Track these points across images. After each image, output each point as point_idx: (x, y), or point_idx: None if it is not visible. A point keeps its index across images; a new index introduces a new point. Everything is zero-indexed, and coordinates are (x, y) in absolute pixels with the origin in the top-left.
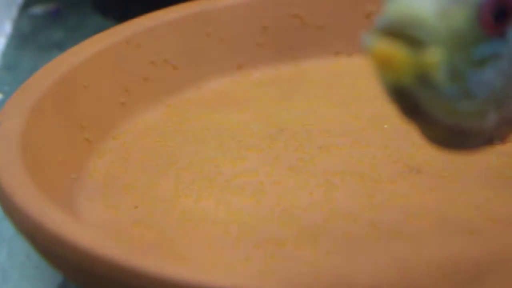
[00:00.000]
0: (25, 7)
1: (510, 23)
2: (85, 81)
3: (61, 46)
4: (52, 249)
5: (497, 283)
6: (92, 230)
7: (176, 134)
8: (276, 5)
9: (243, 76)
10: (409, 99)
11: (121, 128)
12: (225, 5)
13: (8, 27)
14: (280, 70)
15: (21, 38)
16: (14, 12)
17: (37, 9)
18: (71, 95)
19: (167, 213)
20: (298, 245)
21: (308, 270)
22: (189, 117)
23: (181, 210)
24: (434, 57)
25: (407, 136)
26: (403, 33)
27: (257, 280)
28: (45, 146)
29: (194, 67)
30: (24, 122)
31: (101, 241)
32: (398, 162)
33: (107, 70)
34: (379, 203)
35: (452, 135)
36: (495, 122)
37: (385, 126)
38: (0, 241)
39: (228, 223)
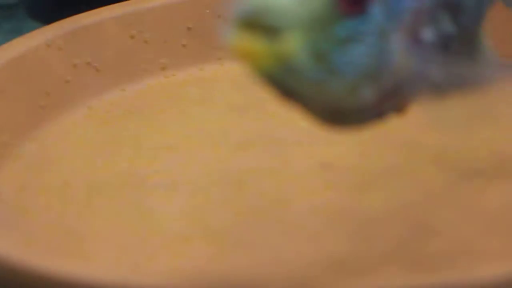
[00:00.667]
0: None
1: (371, 1)
2: (2, 86)
3: None
4: None
5: (391, 274)
6: None
7: (94, 137)
8: (200, 6)
9: (167, 77)
10: (281, 85)
11: (39, 131)
12: (148, 7)
13: None
14: (204, 71)
15: None
16: None
17: None
18: None
19: (78, 214)
20: (206, 243)
21: (214, 267)
22: (109, 119)
23: (92, 211)
24: (290, 43)
25: (322, 133)
26: (260, 23)
27: (159, 278)
28: None
29: (118, 69)
30: None
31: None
32: (310, 159)
33: (27, 74)
34: (287, 199)
35: (333, 114)
36: (375, 97)
37: (302, 123)
38: None
39: (138, 222)
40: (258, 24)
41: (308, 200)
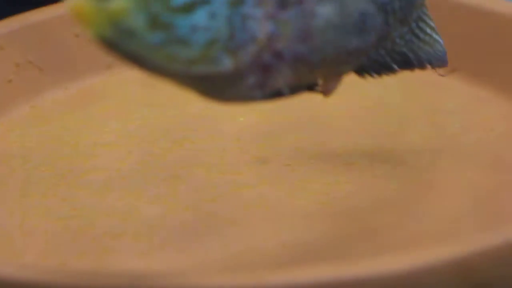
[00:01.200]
0: None
1: None
2: None
3: None
4: None
5: (327, 267)
6: None
7: (34, 135)
8: None
9: (112, 75)
10: (124, 51)
11: None
12: None
13: None
14: None
15: None
16: None
17: None
18: None
19: (9, 212)
20: (135, 238)
21: (141, 263)
22: (51, 117)
23: (24, 210)
24: (119, 4)
25: (260, 129)
26: None
27: (82, 275)
28: None
29: (61, 68)
30: None
31: None
32: (246, 154)
33: None
34: (221, 194)
35: (206, 85)
36: (241, 65)
37: (241, 119)
38: None
39: (69, 218)
40: None
41: (241, 195)
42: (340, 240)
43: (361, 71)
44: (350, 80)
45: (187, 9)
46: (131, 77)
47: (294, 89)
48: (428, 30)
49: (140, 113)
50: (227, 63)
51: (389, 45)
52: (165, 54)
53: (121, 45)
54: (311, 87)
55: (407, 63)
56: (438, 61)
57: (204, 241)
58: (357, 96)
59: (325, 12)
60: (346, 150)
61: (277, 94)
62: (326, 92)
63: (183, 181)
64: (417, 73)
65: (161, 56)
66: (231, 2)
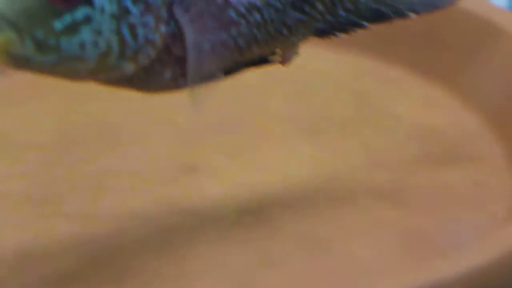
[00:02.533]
0: None
1: None
2: None
3: None
4: None
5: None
6: None
7: None
8: None
9: None
10: (25, 69)
11: None
12: None
13: None
14: None
15: None
16: None
17: None
18: None
19: None
20: (49, 256)
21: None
22: None
23: None
24: (3, 37)
25: (193, 135)
26: None
27: None
28: None
29: None
30: None
31: None
32: (174, 160)
33: None
34: (145, 206)
35: (118, 83)
36: (145, 66)
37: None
38: None
39: None
40: None
41: (162, 206)
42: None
43: (322, 34)
44: None
45: (71, 30)
46: None
47: (240, 65)
48: None
49: (76, 111)
50: (128, 68)
51: (350, 6)
52: (66, 69)
53: (23, 66)
54: (266, 59)
55: (381, 17)
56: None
57: (124, 259)
58: None
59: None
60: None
61: (211, 76)
62: (283, 62)
63: (107, 190)
64: None
65: (63, 70)
66: (115, 16)
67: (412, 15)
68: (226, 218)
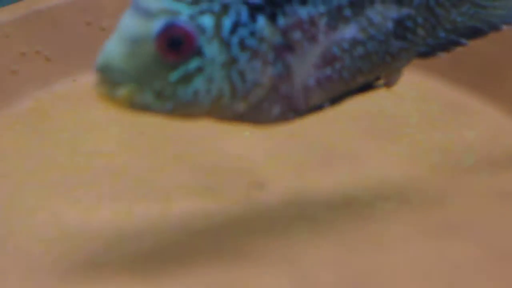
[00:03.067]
0: None
1: (189, 50)
2: None
3: None
4: None
5: None
6: None
7: (34, 135)
8: None
9: None
10: (149, 113)
11: None
12: None
13: None
14: None
15: None
16: None
17: None
18: None
19: None
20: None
21: None
22: (53, 114)
23: (9, 228)
24: (123, 93)
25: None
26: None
27: None
28: None
29: (70, 59)
30: None
31: None
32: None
33: None
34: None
35: (237, 119)
36: (253, 105)
37: (246, 133)
38: None
39: (53, 240)
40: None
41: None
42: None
43: (424, 56)
44: None
45: (185, 80)
46: None
47: (345, 94)
48: None
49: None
50: (239, 107)
51: (449, 26)
52: (183, 113)
53: (143, 111)
54: (370, 85)
55: (477, 33)
56: None
57: None
58: None
59: (346, 34)
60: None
61: (318, 107)
62: (388, 86)
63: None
64: None
65: (180, 113)
66: (225, 65)
67: (505, 27)
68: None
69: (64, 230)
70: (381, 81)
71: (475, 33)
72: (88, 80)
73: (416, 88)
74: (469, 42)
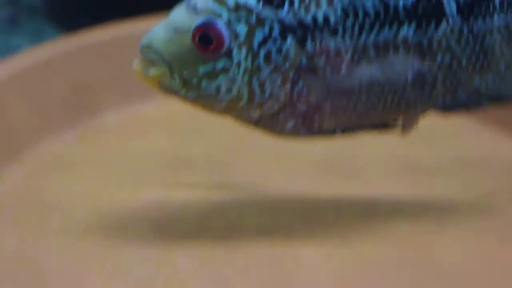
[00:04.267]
0: None
1: (219, 49)
2: None
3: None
4: None
5: None
6: None
7: (81, 164)
8: None
9: (167, 103)
10: (174, 96)
11: (28, 153)
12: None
13: None
14: None
15: None
16: None
17: None
18: None
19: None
20: None
21: None
22: (101, 144)
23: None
24: (155, 72)
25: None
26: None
27: None
28: None
29: (117, 91)
30: None
31: None
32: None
33: (22, 92)
34: None
35: (257, 124)
36: (267, 113)
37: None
38: None
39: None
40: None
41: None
42: None
43: (443, 109)
44: None
45: (211, 75)
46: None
47: (359, 127)
48: None
49: (187, 148)
50: (254, 114)
51: (471, 90)
52: (203, 104)
53: (170, 94)
54: (386, 124)
55: (503, 100)
56: None
57: None
58: None
59: (367, 72)
60: None
61: (331, 132)
62: (403, 130)
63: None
64: None
65: (201, 104)
66: (248, 71)
67: None
68: None
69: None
70: (397, 124)
71: (500, 99)
72: (134, 112)
73: None
74: (492, 106)
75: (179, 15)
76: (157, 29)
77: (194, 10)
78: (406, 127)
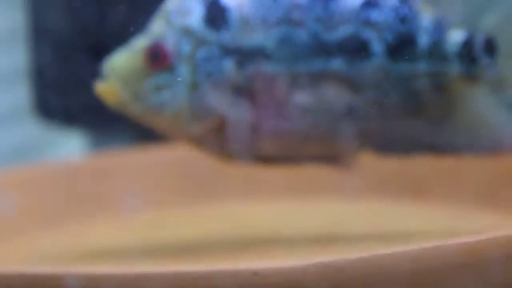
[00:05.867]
0: None
1: (165, 64)
2: None
3: None
4: None
5: None
6: None
7: None
8: None
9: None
10: (127, 112)
11: None
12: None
13: None
14: None
15: None
16: None
17: None
18: None
19: None
20: None
21: None
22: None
23: None
24: (109, 85)
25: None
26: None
27: None
28: None
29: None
30: None
31: None
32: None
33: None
34: None
35: (198, 145)
36: (209, 131)
37: None
38: None
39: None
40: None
41: None
42: None
43: (377, 151)
44: None
45: (156, 90)
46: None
47: (301, 158)
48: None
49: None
50: (194, 129)
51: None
52: (151, 117)
53: (122, 109)
54: (328, 159)
55: (433, 150)
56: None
57: None
58: None
59: (299, 99)
60: None
61: (275, 160)
62: (340, 165)
63: None
64: None
65: (149, 118)
66: (189, 86)
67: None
68: None
69: None
70: (336, 159)
71: (431, 149)
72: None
73: None
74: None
75: (137, 39)
76: (118, 52)
77: (149, 34)
78: (343, 162)
